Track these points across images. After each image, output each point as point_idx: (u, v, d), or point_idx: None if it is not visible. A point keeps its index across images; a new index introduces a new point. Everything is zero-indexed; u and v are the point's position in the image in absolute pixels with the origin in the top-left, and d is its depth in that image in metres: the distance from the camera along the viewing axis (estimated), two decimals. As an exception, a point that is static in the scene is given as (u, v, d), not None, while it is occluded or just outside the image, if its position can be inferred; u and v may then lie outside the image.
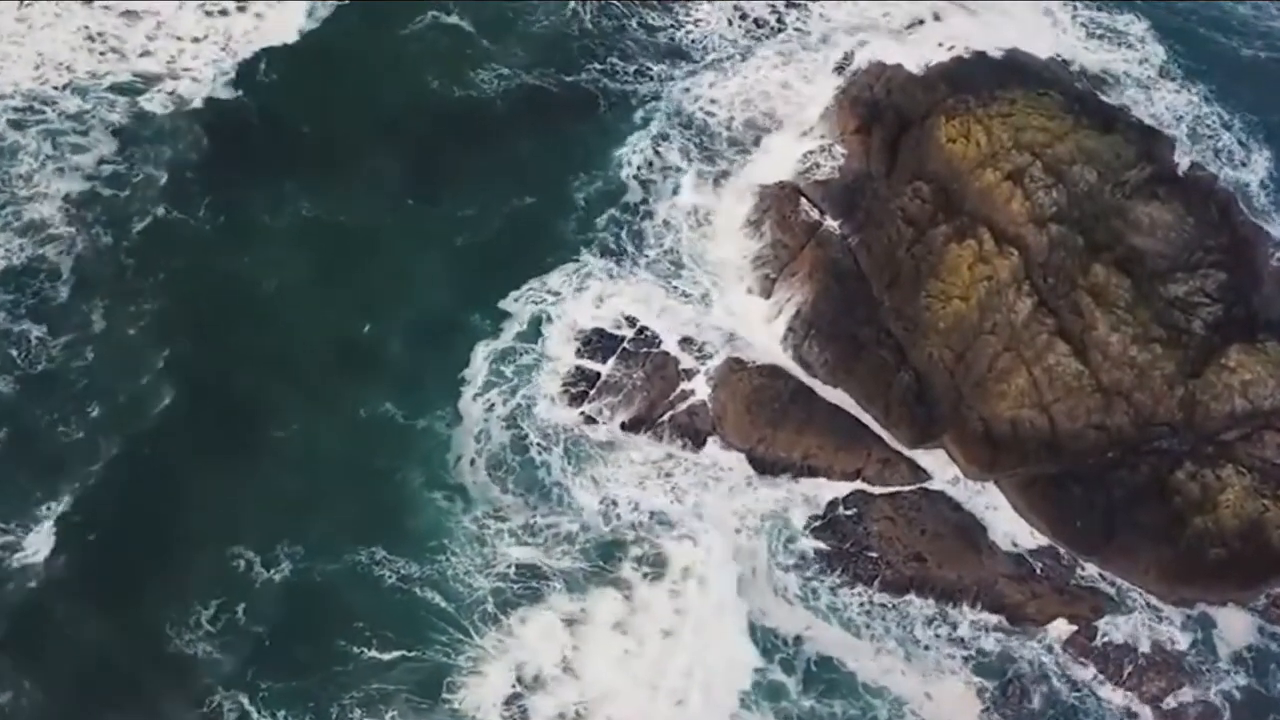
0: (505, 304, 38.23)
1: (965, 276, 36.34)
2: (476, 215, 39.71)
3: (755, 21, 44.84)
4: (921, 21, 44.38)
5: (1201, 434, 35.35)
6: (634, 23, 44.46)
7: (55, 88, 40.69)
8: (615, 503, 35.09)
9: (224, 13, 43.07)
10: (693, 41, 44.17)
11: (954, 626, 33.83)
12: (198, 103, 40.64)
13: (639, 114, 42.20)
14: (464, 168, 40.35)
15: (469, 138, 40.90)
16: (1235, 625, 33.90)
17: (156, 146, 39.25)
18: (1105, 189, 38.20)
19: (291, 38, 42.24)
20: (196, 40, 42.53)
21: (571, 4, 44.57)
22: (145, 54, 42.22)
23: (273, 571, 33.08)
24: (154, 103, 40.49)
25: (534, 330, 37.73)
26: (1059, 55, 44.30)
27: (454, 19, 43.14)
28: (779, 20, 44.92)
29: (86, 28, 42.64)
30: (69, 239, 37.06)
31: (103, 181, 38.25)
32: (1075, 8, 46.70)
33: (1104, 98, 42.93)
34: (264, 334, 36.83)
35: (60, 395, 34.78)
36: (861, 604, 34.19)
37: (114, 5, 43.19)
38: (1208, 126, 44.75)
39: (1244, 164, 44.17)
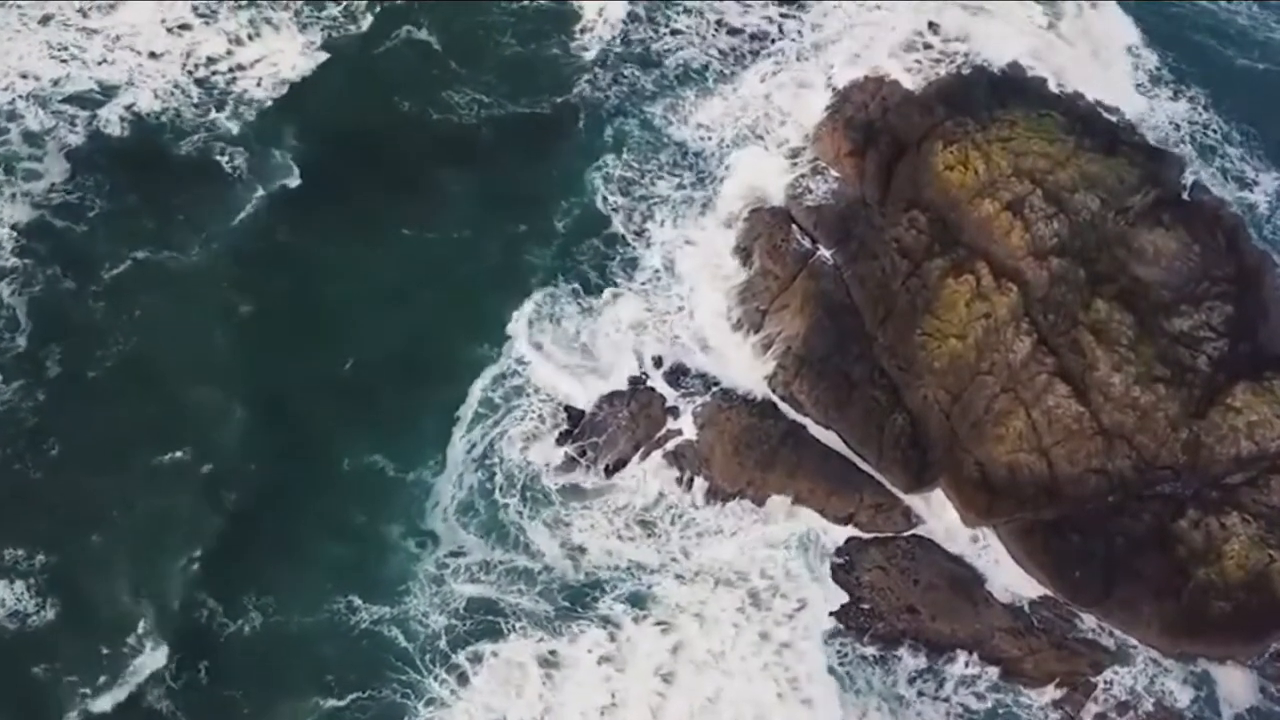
0: (489, 339, 36.69)
1: (962, 314, 34.88)
2: (457, 246, 38.11)
3: (744, 33, 42.87)
4: (919, 33, 42.47)
5: (1206, 478, 34.07)
6: (617, 39, 42.39)
7: (20, 96, 38.91)
8: (584, 548, 33.82)
9: (187, 27, 40.99)
10: (676, 56, 42.15)
11: (943, 683, 32.71)
12: (159, 121, 38.77)
13: (622, 134, 40.42)
14: (442, 194, 38.74)
15: (445, 162, 39.23)
16: (1237, 681, 32.82)
17: (113, 174, 37.34)
18: (1108, 216, 36.65)
19: (261, 60, 40.32)
20: (155, 56, 40.50)
21: (548, 21, 42.70)
22: (104, 62, 40.27)
23: (240, 622, 32.08)
24: (113, 122, 38.54)
25: (518, 367, 36.22)
26: (1058, 69, 42.50)
27: (423, 34, 41.24)
28: (769, 31, 42.90)
29: (48, 42, 40.68)
30: (20, 271, 35.38)
31: (52, 211, 36.41)
32: (1077, 13, 45.07)
33: (1107, 115, 41.35)
34: (248, 378, 35.22)
35: (13, 438, 33.37)
36: (845, 655, 33.02)
37: (73, 20, 41.26)
38: (1211, 142, 43.29)
39: (1253, 184, 42.80)
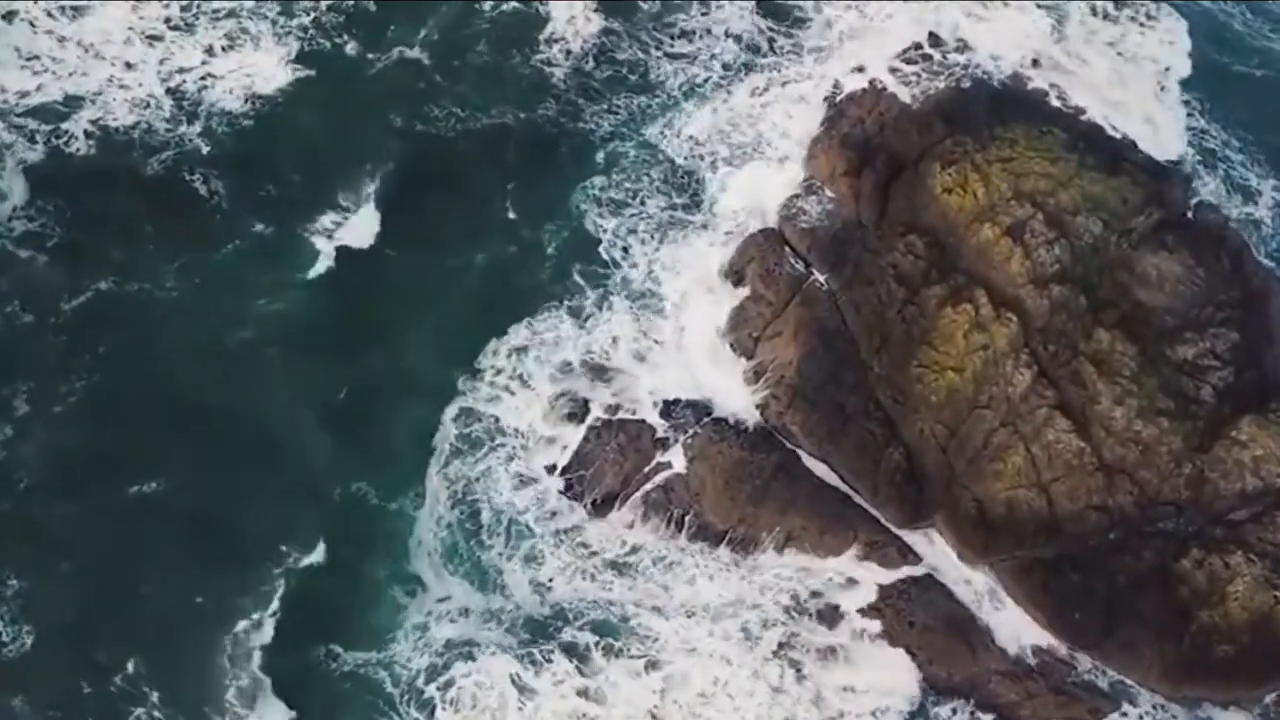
0: (477, 367, 35.45)
1: (960, 345, 33.78)
2: (439, 269, 36.82)
3: (737, 45, 41.33)
4: (918, 44, 40.99)
5: (1209, 514, 33.13)
6: (594, 53, 40.78)
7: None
8: (568, 587, 32.81)
9: (159, 38, 39.18)
10: (666, 69, 40.71)
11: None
12: (127, 137, 37.11)
13: (612, 151, 39.08)
14: (422, 215, 37.29)
15: (425, 181, 37.80)
16: (1240, 727, 32.24)
17: (76, 196, 35.63)
18: (1110, 239, 35.49)
19: (236, 71, 38.59)
20: (127, 65, 38.79)
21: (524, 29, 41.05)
22: (72, 72, 38.53)
23: (223, 660, 31.06)
24: (78, 137, 36.78)
25: (504, 396, 35.00)
26: (1061, 81, 41.22)
27: (404, 48, 39.61)
28: (763, 44, 41.42)
29: (17, 48, 39.01)
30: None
31: (13, 240, 34.70)
32: (1081, 22, 43.72)
33: (1110, 131, 40.11)
34: (219, 409, 33.94)
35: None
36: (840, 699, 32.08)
37: (40, 24, 39.51)
38: (1212, 146, 42.28)
39: (1256, 194, 41.88)
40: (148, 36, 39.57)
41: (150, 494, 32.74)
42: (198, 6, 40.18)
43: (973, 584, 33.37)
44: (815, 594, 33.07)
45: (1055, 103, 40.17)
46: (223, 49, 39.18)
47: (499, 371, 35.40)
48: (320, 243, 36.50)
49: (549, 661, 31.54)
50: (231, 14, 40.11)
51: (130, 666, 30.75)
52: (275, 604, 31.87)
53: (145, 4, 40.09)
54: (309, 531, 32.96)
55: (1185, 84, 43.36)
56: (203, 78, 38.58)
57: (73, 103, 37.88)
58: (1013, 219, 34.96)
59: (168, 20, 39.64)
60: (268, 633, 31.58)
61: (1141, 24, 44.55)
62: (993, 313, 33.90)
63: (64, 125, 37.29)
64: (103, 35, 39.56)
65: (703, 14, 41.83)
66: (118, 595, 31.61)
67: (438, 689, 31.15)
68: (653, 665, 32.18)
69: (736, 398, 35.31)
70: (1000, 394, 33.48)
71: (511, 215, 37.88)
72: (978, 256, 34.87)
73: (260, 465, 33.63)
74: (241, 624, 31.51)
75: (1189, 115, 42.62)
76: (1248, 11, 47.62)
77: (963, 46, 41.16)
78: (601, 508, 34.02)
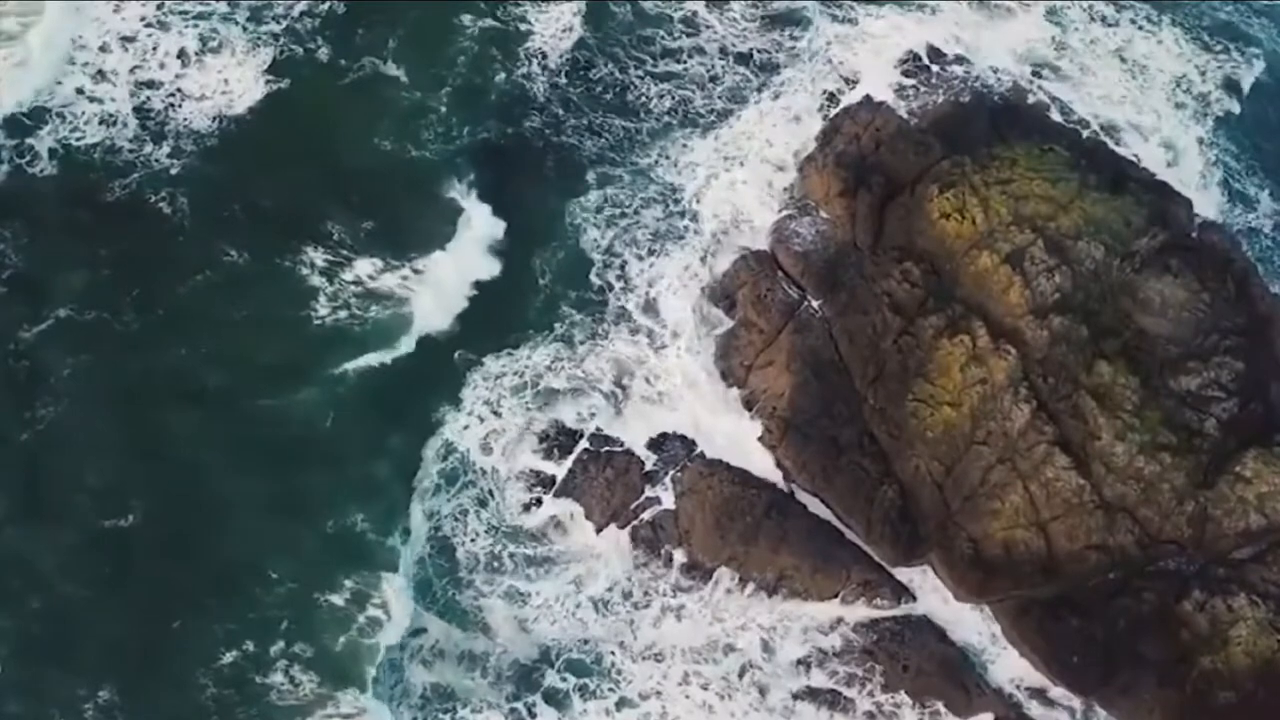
0: (459, 398, 34.24)
1: (957, 379, 32.64)
2: (429, 291, 35.39)
3: (735, 62, 39.78)
4: (916, 56, 39.69)
5: (1212, 553, 32.21)
6: (608, 79, 39.33)
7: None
8: (546, 628, 31.83)
9: (132, 38, 37.28)
10: (658, 87, 39.21)
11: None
12: (90, 156, 35.41)
13: (602, 172, 37.62)
14: (415, 238, 35.91)
15: (420, 203, 36.39)
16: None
17: (36, 218, 34.06)
18: (1113, 264, 34.29)
19: (207, 85, 36.90)
20: (99, 75, 37.03)
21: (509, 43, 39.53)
22: (42, 81, 36.81)
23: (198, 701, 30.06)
24: (41, 155, 35.19)
25: (486, 427, 33.83)
26: (1063, 93, 40.10)
27: (382, 61, 37.99)
28: (757, 56, 39.85)
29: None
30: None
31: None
32: (1084, 31, 42.39)
33: (1113, 146, 38.94)
34: (197, 439, 32.70)
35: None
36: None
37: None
38: (1212, 155, 41.14)
39: (1254, 202, 40.97)
40: (122, 38, 37.78)
41: (122, 525, 31.54)
42: (169, 6, 38.47)
43: (969, 626, 32.49)
44: (805, 635, 32.13)
45: (1057, 117, 39.02)
46: (195, 53, 37.37)
47: (483, 403, 34.14)
48: (296, 269, 34.92)
49: (533, 716, 30.66)
50: (205, 17, 38.34)
51: (104, 695, 29.84)
52: (252, 636, 30.82)
53: (126, 4, 38.39)
54: (288, 562, 31.84)
55: (1189, 91, 42.23)
56: (172, 94, 36.79)
57: (36, 115, 36.15)
58: (1012, 246, 33.73)
59: (143, 18, 37.86)
60: (244, 666, 30.48)
61: (1141, 28, 43.32)
62: (990, 344, 32.74)
63: (29, 141, 35.66)
64: (76, 41, 37.79)
65: (690, 34, 40.16)
66: (90, 625, 30.59)
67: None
68: (629, 705, 31.39)
69: (727, 430, 34.14)
70: (998, 430, 32.41)
71: (501, 239, 36.35)
72: (976, 285, 33.69)
73: (235, 496, 32.35)
74: (218, 656, 30.46)
75: (1195, 125, 41.49)
76: (1252, 12, 46.39)
77: (962, 58, 39.91)
78: (588, 544, 32.98)
